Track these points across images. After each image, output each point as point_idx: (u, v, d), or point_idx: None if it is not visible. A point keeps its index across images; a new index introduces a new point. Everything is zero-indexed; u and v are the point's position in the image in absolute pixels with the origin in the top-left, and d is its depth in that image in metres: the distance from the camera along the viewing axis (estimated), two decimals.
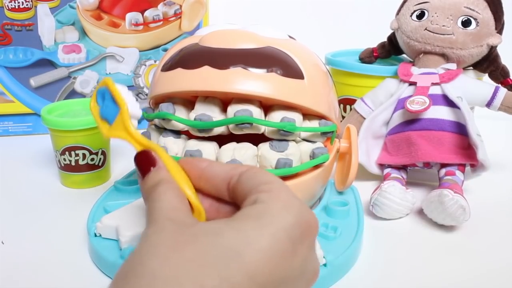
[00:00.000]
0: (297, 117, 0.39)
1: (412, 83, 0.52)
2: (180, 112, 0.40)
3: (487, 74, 0.56)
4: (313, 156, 0.40)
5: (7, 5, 0.64)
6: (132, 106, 0.33)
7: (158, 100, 0.42)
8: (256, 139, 0.40)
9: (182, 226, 0.24)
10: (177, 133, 0.41)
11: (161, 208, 0.25)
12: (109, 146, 0.53)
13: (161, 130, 0.42)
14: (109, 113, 0.34)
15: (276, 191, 0.25)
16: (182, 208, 0.26)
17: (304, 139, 0.41)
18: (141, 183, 0.29)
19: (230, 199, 0.28)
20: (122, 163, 0.58)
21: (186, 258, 0.21)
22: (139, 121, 0.33)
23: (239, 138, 0.39)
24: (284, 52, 0.40)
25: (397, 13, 0.57)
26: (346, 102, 0.62)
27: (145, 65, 0.70)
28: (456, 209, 0.42)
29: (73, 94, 0.69)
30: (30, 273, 0.37)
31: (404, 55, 0.60)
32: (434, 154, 0.49)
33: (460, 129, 0.49)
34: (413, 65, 0.55)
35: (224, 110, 0.39)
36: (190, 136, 0.40)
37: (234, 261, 0.21)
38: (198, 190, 0.29)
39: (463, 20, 0.52)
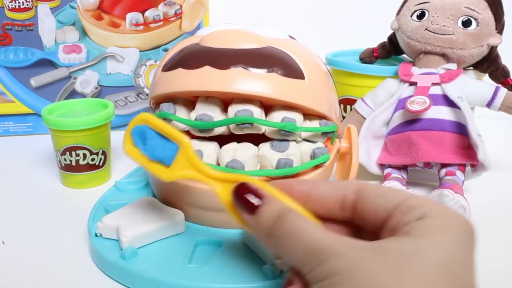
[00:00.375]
0: (297, 117, 0.39)
1: (413, 83, 0.52)
2: (181, 112, 0.40)
3: (487, 74, 0.56)
4: (313, 156, 0.40)
5: (8, 5, 0.64)
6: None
7: (159, 100, 0.42)
8: (257, 139, 0.40)
9: (373, 251, 0.23)
10: None
11: (323, 238, 0.24)
12: (109, 146, 0.53)
13: None
14: (161, 153, 0.31)
15: (433, 203, 0.25)
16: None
17: (305, 139, 0.41)
18: (255, 220, 0.27)
19: (344, 217, 0.28)
20: (122, 163, 0.58)
21: (412, 283, 0.21)
22: None
23: (239, 138, 0.39)
24: (285, 52, 0.40)
25: (398, 13, 0.57)
26: (347, 102, 0.62)
27: (146, 65, 0.70)
28: (457, 209, 0.42)
29: (73, 94, 0.69)
30: (30, 273, 0.37)
31: (404, 55, 0.60)
32: (435, 154, 0.49)
33: (461, 129, 0.50)
34: (414, 65, 0.55)
35: (224, 110, 0.39)
36: (191, 136, 0.40)
37: (451, 277, 0.22)
38: None
39: (464, 20, 0.52)
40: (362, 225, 0.28)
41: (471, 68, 0.56)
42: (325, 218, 0.28)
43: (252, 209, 0.27)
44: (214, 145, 0.39)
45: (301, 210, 0.27)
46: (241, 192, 0.27)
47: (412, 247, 0.23)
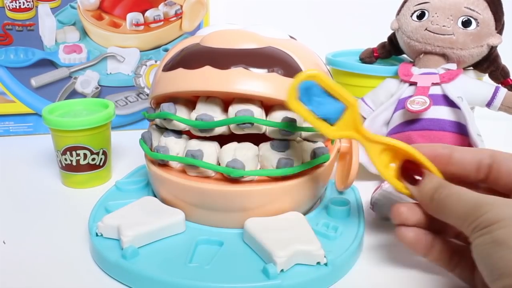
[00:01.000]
0: (298, 117, 0.39)
1: (413, 83, 0.53)
2: (181, 112, 0.40)
3: (487, 74, 0.56)
4: (314, 156, 0.40)
5: (8, 5, 0.64)
6: None
7: (159, 100, 0.42)
8: (257, 139, 0.40)
9: None
10: (179, 133, 0.41)
11: (482, 196, 0.29)
12: (110, 146, 0.53)
13: (162, 130, 0.42)
14: (327, 111, 0.32)
15: None
16: None
17: (305, 139, 0.41)
18: (417, 189, 0.34)
19: (478, 179, 0.33)
20: (123, 163, 0.58)
21: None
22: None
23: (240, 138, 0.39)
24: (285, 52, 0.40)
25: (397, 14, 0.57)
26: None
27: (146, 65, 0.70)
28: None
29: (74, 94, 0.69)
30: (31, 273, 0.37)
31: (404, 55, 0.60)
32: None
33: (461, 129, 0.50)
34: (414, 65, 0.55)
35: (225, 110, 0.39)
36: (191, 136, 0.41)
37: None
38: (444, 174, 0.34)
39: (464, 20, 0.52)
40: (495, 188, 0.33)
41: (471, 68, 0.56)
42: (462, 181, 0.33)
43: (415, 181, 0.34)
44: (214, 145, 0.39)
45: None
46: (406, 168, 0.34)
47: None
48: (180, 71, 0.39)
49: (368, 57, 0.61)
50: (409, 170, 0.34)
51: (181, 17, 0.69)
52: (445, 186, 0.32)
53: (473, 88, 0.52)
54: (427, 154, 0.34)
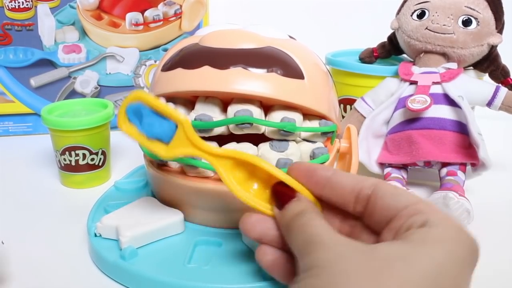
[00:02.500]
0: (297, 117, 0.39)
1: (413, 82, 0.52)
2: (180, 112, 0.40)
3: (487, 74, 0.56)
4: (313, 156, 0.40)
5: (7, 5, 0.64)
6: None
7: None
8: (256, 139, 0.40)
9: (362, 250, 0.23)
10: None
11: (322, 233, 0.25)
12: (109, 146, 0.53)
13: None
14: (158, 131, 0.31)
15: (440, 212, 0.24)
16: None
17: (305, 139, 0.41)
18: (281, 213, 0.29)
19: (355, 211, 0.28)
20: (122, 163, 0.58)
21: (386, 286, 0.21)
22: None
23: (239, 138, 0.39)
24: (285, 52, 0.40)
25: (398, 13, 0.57)
26: (346, 102, 0.62)
27: (145, 65, 0.70)
28: (461, 212, 0.42)
29: (73, 94, 0.69)
30: (30, 273, 0.37)
31: (404, 55, 0.60)
32: (435, 153, 0.49)
33: (461, 128, 0.49)
34: (414, 64, 0.55)
35: (224, 110, 0.39)
36: None
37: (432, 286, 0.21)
38: (319, 199, 0.30)
39: (464, 19, 0.52)
40: (369, 223, 0.28)
41: (471, 68, 0.56)
42: (340, 212, 0.29)
43: (281, 205, 0.29)
44: (213, 145, 0.39)
45: (312, 198, 0.29)
46: (276, 191, 0.30)
47: (401, 252, 0.22)
48: (179, 71, 0.39)
49: (368, 57, 0.61)
50: (279, 193, 0.30)
51: (180, 17, 0.69)
52: (303, 214, 0.27)
53: (473, 87, 0.52)
54: (302, 173, 0.30)
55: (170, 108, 0.30)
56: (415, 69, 0.53)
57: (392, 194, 0.27)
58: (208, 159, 0.31)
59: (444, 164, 0.50)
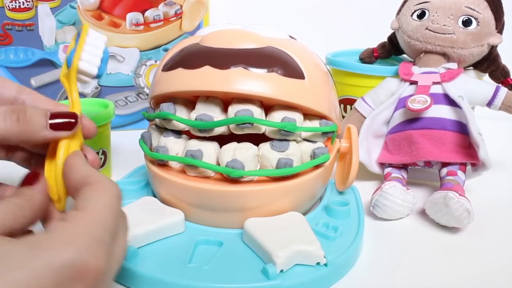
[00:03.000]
0: (297, 117, 0.39)
1: (413, 82, 0.52)
2: (181, 112, 0.40)
3: (487, 74, 0.56)
4: (313, 156, 0.40)
5: (8, 5, 0.64)
6: (87, 62, 0.32)
7: (159, 100, 0.42)
8: (257, 139, 0.40)
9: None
10: (178, 133, 0.41)
11: None
12: (109, 146, 0.53)
13: (162, 130, 0.42)
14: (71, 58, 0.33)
15: (72, 219, 0.24)
16: None
17: (305, 139, 0.41)
18: None
19: None
20: (122, 163, 0.58)
21: None
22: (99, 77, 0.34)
23: (240, 138, 0.39)
24: (285, 52, 0.40)
25: (398, 13, 0.57)
26: (347, 102, 0.62)
27: (146, 65, 0.70)
28: (461, 212, 0.42)
29: None
30: None
31: (404, 55, 0.60)
32: (435, 153, 0.49)
33: (461, 128, 0.50)
34: (414, 64, 0.55)
35: (225, 110, 0.39)
36: (191, 136, 0.41)
37: None
38: None
39: (464, 19, 0.52)
40: None
41: (471, 68, 0.56)
42: None
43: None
44: (214, 145, 0.39)
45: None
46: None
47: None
48: (180, 71, 0.39)
49: (368, 57, 0.61)
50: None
51: (181, 17, 0.69)
52: None
53: (473, 87, 0.52)
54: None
55: (82, 44, 0.32)
56: (415, 69, 0.54)
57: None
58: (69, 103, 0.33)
59: (444, 164, 0.50)
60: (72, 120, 0.30)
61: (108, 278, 0.25)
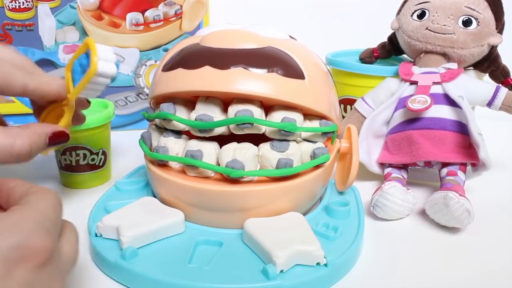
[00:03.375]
0: (297, 117, 0.39)
1: (413, 82, 0.52)
2: (181, 112, 0.40)
3: (487, 74, 0.56)
4: (313, 156, 0.40)
5: (8, 5, 0.64)
6: (105, 61, 0.34)
7: (159, 100, 0.42)
8: (257, 139, 0.40)
9: None
10: (178, 133, 0.41)
11: None
12: (109, 146, 0.53)
13: (162, 130, 0.42)
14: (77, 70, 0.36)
15: (15, 211, 0.25)
16: None
17: (305, 139, 0.41)
18: None
19: None
20: (122, 163, 0.58)
21: None
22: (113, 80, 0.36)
23: (240, 138, 0.39)
24: (285, 52, 0.40)
25: (398, 13, 0.57)
26: (347, 102, 0.62)
27: (146, 65, 0.70)
28: (462, 212, 0.42)
29: None
30: None
31: (404, 55, 0.60)
32: (436, 153, 0.49)
33: (462, 128, 0.49)
34: (414, 64, 0.55)
35: (225, 110, 0.39)
36: (191, 136, 0.41)
37: None
38: None
39: (464, 19, 0.52)
40: None
41: (472, 68, 0.56)
42: None
43: None
44: (214, 145, 0.39)
45: None
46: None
47: None
48: (180, 71, 0.39)
49: (368, 57, 0.61)
50: None
51: (181, 17, 0.69)
52: None
53: (474, 87, 0.52)
54: None
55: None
56: (415, 69, 0.54)
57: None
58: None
59: (445, 164, 0.50)
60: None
61: (57, 264, 0.25)
